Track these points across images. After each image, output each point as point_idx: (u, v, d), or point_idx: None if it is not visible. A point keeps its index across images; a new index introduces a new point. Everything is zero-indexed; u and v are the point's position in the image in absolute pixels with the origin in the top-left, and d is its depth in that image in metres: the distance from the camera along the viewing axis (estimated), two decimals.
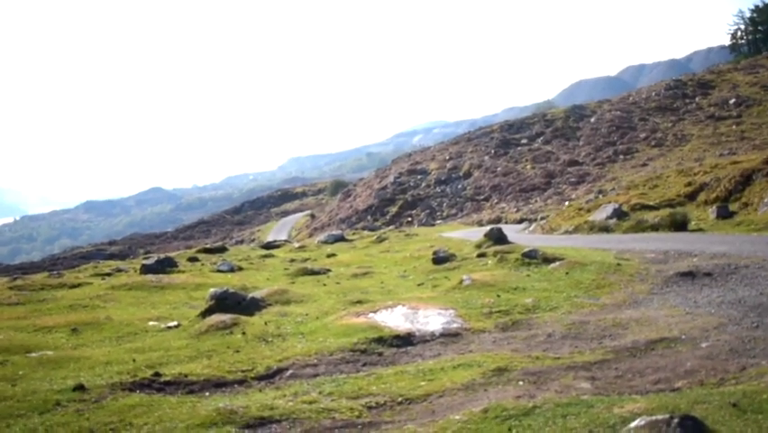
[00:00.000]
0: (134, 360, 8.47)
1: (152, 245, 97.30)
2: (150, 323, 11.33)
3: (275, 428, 6.01)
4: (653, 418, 4.87)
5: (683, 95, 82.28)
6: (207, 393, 7.21)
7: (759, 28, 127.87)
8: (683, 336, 7.89)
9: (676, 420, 4.72)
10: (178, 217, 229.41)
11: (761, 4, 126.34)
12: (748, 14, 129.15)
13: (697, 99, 79.05)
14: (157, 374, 7.68)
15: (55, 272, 21.64)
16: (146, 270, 18.66)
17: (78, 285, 16.84)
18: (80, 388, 7.13)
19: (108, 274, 20.12)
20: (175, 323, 11.18)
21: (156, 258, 20.65)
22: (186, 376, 7.66)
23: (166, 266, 19.22)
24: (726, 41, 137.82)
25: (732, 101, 73.35)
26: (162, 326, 11.08)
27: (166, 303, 13.66)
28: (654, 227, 21.52)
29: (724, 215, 20.87)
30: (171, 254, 25.98)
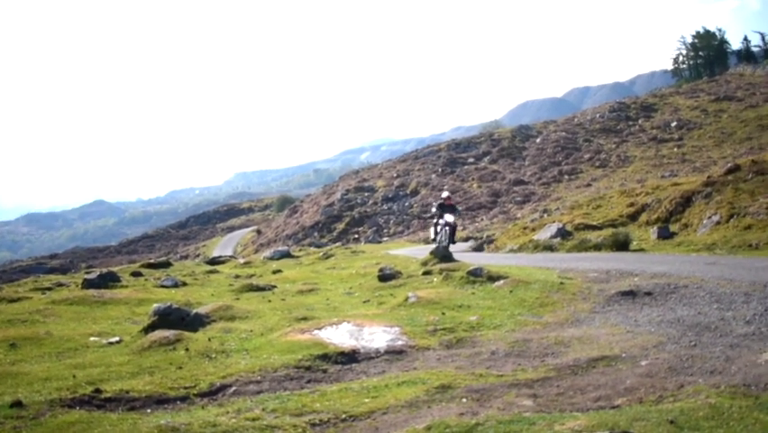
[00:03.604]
0: (74, 376, 8.31)
1: (95, 259, 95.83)
2: (92, 338, 11.13)
3: None
4: None
5: (627, 117, 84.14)
6: (149, 410, 7.11)
7: (700, 53, 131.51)
8: (624, 355, 8.03)
9: None
10: (122, 231, 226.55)
11: (702, 31, 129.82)
12: (690, 40, 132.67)
13: (640, 122, 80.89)
14: (97, 391, 7.56)
15: None
16: (88, 284, 18.31)
17: (18, 299, 16.47)
18: (18, 404, 6.98)
19: (49, 288, 19.69)
20: (117, 339, 11.01)
21: (98, 272, 20.27)
22: (127, 393, 7.55)
23: (108, 281, 18.89)
24: (669, 66, 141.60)
25: (674, 124, 75.19)
26: (104, 341, 10.90)
27: (108, 318, 13.43)
28: (597, 247, 21.83)
29: (665, 235, 21.27)
30: (114, 269, 25.54)
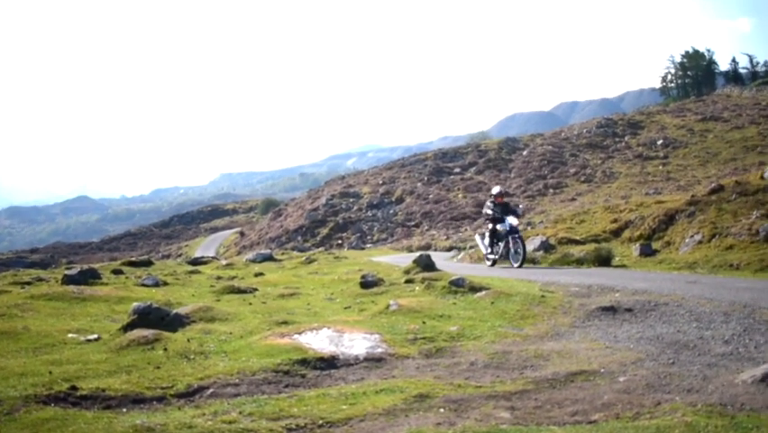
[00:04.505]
0: (51, 372, 8.24)
1: (76, 255, 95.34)
2: (70, 335, 11.05)
3: None
4: None
5: (613, 133, 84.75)
6: (125, 409, 7.06)
7: (688, 73, 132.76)
8: (602, 370, 8.03)
9: None
10: (105, 228, 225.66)
11: (691, 51, 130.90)
12: (678, 59, 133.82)
13: (626, 138, 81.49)
14: (73, 388, 7.49)
15: None
16: (68, 280, 18.18)
17: None
18: None
19: (28, 283, 19.56)
20: (95, 336, 10.93)
21: (79, 269, 20.13)
22: (103, 391, 7.49)
23: (89, 277, 18.77)
24: (657, 84, 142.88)
25: (660, 142, 75.77)
26: (82, 338, 10.82)
27: (87, 315, 13.33)
28: (580, 261, 21.88)
29: (647, 252, 21.36)
30: (95, 266, 25.38)
